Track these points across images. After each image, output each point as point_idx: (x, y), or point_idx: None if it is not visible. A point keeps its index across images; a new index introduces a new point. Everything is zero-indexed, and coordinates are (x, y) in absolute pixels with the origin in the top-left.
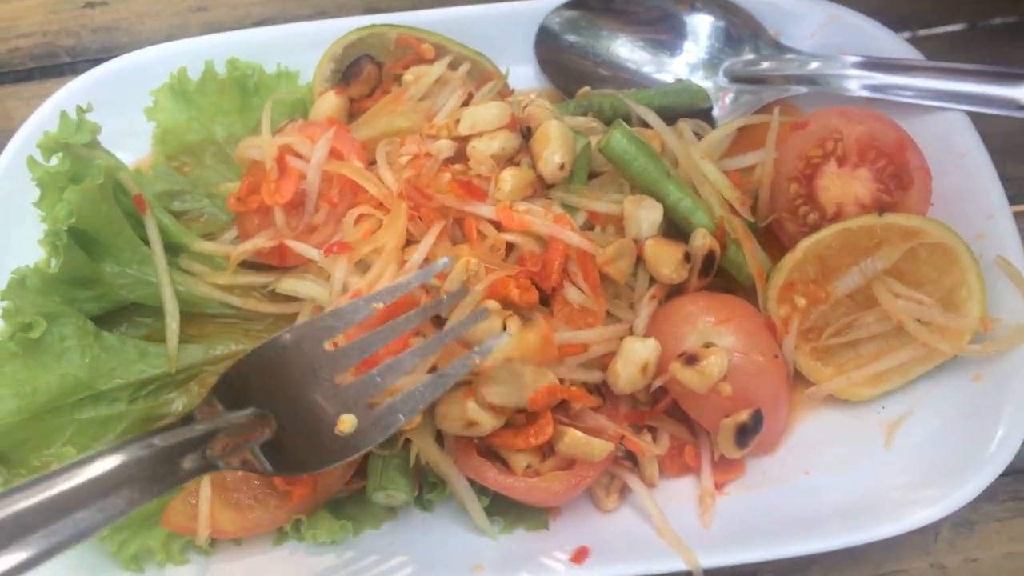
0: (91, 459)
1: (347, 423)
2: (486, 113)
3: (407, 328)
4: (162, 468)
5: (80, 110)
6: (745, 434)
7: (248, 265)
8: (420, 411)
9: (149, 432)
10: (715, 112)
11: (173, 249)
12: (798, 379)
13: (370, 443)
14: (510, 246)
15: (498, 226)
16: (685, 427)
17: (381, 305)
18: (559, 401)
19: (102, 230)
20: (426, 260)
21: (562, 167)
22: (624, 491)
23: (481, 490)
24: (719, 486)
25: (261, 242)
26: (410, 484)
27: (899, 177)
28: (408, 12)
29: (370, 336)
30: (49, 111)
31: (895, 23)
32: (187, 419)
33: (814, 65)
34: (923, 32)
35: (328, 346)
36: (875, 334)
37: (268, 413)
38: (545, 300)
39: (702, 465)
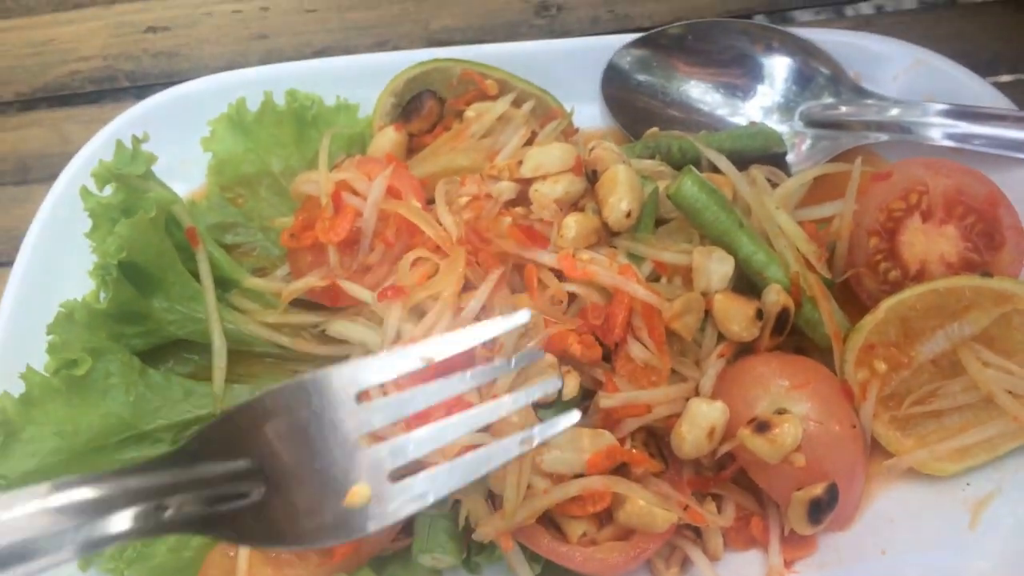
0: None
1: (358, 494)
2: (551, 155)
3: (459, 390)
4: (89, 523)
5: (136, 140)
6: (819, 510)
7: (299, 304)
8: (450, 493)
9: (84, 477)
10: (790, 158)
11: (224, 284)
12: (876, 449)
13: (380, 524)
14: (571, 296)
15: (560, 275)
16: (753, 497)
17: (434, 359)
18: (619, 465)
19: (153, 264)
20: (483, 309)
21: (629, 215)
22: (685, 563)
23: (533, 556)
24: (788, 563)
25: (313, 281)
26: (458, 547)
27: (990, 236)
28: (472, 46)
29: (412, 393)
30: (106, 138)
31: (982, 66)
32: (149, 466)
33: (896, 111)
34: (1007, 78)
35: (360, 397)
36: (961, 405)
37: (259, 469)
38: (607, 355)
39: (770, 540)
